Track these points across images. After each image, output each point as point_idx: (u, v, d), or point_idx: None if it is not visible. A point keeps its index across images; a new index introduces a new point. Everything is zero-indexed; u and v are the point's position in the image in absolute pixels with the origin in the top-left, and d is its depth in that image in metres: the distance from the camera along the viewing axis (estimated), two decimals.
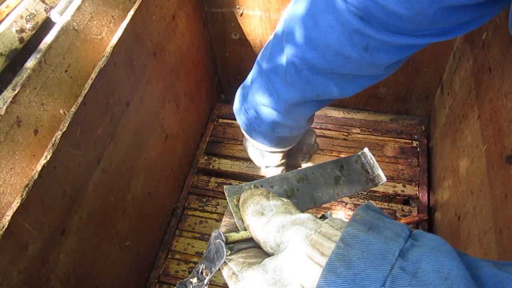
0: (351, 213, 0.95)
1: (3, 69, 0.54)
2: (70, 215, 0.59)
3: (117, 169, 0.71)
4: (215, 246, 0.31)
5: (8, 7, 0.56)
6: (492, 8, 0.44)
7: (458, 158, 0.78)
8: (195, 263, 0.92)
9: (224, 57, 1.13)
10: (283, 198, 0.34)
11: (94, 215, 0.65)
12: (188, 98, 1.00)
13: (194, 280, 0.32)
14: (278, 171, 0.84)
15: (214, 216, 0.98)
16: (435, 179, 0.94)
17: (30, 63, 0.53)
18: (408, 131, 1.05)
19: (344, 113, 1.16)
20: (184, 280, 0.33)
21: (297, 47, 0.55)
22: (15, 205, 0.48)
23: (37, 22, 0.58)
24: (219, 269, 0.31)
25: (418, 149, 1.02)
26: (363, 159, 0.45)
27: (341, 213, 0.95)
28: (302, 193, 0.39)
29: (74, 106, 0.57)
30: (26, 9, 0.57)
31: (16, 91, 0.50)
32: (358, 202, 0.96)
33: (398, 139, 1.05)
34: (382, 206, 0.94)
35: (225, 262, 0.31)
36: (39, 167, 0.51)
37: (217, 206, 0.99)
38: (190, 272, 0.91)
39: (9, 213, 0.48)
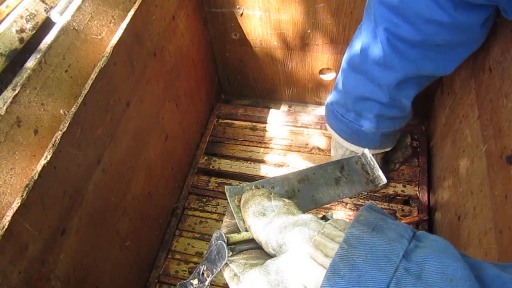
0: (351, 213, 0.95)
1: (3, 69, 0.54)
2: (70, 215, 0.59)
3: (117, 169, 0.71)
4: (217, 247, 0.31)
5: (8, 7, 0.56)
6: None
7: (458, 158, 0.78)
8: (195, 263, 0.92)
9: (224, 57, 1.13)
10: (284, 199, 0.34)
11: (94, 215, 0.65)
12: (188, 98, 1.00)
13: (195, 282, 0.32)
14: None
15: (214, 216, 0.98)
16: (435, 179, 0.94)
17: (30, 63, 0.53)
18: (408, 131, 1.05)
19: None
20: (185, 281, 0.33)
21: (389, 24, 0.56)
22: (15, 205, 0.48)
23: (37, 22, 0.58)
24: (220, 270, 0.31)
25: (418, 149, 1.02)
26: (364, 160, 0.45)
27: (342, 213, 0.95)
28: (303, 194, 0.39)
29: (74, 106, 0.57)
30: (26, 9, 0.56)
31: (16, 91, 0.50)
32: (358, 203, 0.96)
33: None
34: (383, 206, 0.94)
35: (226, 263, 0.31)
36: (39, 167, 0.51)
37: (217, 206, 0.99)
38: (190, 272, 0.91)
39: (9, 213, 0.48)
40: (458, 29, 0.54)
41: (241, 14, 0.99)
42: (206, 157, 1.07)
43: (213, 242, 0.31)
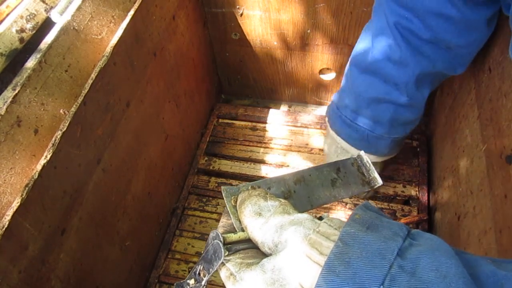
0: (350, 212, 0.94)
1: (3, 69, 0.54)
2: (70, 215, 0.59)
3: (117, 169, 0.71)
4: (213, 246, 0.31)
5: (8, 7, 0.56)
6: None
7: (458, 158, 0.78)
8: (195, 263, 0.92)
9: (224, 57, 1.13)
10: (280, 199, 0.34)
11: (94, 215, 0.66)
12: (188, 98, 1.00)
13: (192, 281, 0.32)
14: None
15: (214, 216, 0.98)
16: (435, 179, 0.94)
17: (30, 63, 0.53)
18: None
19: None
20: (181, 281, 0.33)
21: (400, 18, 0.57)
22: (15, 205, 0.48)
23: (37, 22, 0.58)
24: (217, 270, 0.31)
25: (418, 149, 1.02)
26: (359, 161, 0.45)
27: (341, 213, 0.95)
28: (299, 195, 0.39)
29: (74, 106, 0.57)
30: (26, 9, 0.57)
31: (16, 91, 0.50)
32: (358, 202, 0.96)
33: None
34: (382, 206, 0.94)
35: (223, 263, 0.31)
36: (39, 167, 0.51)
37: (217, 206, 0.99)
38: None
39: (9, 213, 0.48)
40: (466, 26, 0.54)
41: (241, 14, 0.99)
42: (206, 158, 1.07)
43: (210, 242, 0.32)
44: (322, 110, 1.21)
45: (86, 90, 0.59)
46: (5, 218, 0.47)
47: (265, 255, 0.32)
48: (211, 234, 0.32)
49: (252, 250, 0.33)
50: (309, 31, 0.98)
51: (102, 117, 0.64)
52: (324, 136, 0.87)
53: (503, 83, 0.61)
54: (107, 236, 0.71)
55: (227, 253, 0.31)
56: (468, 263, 0.26)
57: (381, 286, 0.24)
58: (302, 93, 1.19)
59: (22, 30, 0.56)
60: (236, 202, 0.35)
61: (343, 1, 0.89)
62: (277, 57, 1.08)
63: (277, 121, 1.11)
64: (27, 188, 0.49)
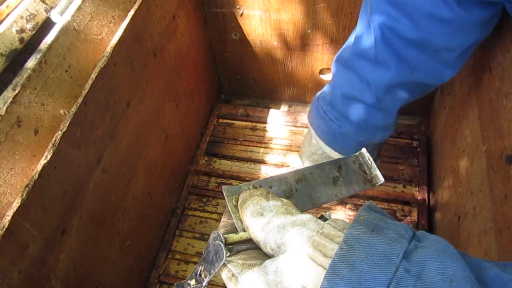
0: (351, 213, 0.95)
1: (3, 69, 0.54)
2: (70, 215, 0.59)
3: (117, 169, 0.71)
4: (214, 247, 0.31)
5: (8, 7, 0.56)
6: None
7: (458, 158, 0.78)
8: (195, 263, 0.92)
9: (224, 57, 1.13)
10: (282, 199, 0.33)
11: (94, 215, 0.65)
12: (188, 98, 1.00)
13: (192, 282, 0.32)
14: None
15: (214, 216, 0.98)
16: (435, 179, 0.94)
17: (30, 63, 0.53)
18: (408, 131, 1.05)
19: None
20: (182, 282, 0.33)
21: (386, 17, 0.53)
22: (16, 205, 0.48)
23: (37, 22, 0.58)
24: (217, 271, 0.31)
25: (418, 149, 1.02)
26: (361, 159, 0.45)
27: (341, 213, 0.95)
28: (300, 194, 0.39)
29: (74, 106, 0.57)
30: (26, 9, 0.57)
31: (17, 91, 0.50)
32: (358, 202, 0.96)
33: (398, 139, 1.05)
34: (382, 206, 0.94)
35: (224, 263, 0.31)
36: (39, 167, 0.51)
37: (217, 206, 0.99)
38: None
39: (9, 213, 0.48)
40: (457, 28, 0.52)
41: (241, 14, 0.99)
42: (206, 158, 1.07)
43: (211, 243, 0.31)
44: None
45: (86, 90, 0.59)
46: (5, 219, 0.47)
47: (267, 256, 0.31)
48: (212, 235, 0.32)
49: (254, 251, 0.32)
50: (309, 31, 0.98)
51: (102, 117, 0.64)
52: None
53: (503, 83, 0.61)
54: (107, 236, 0.71)
55: (228, 254, 0.31)
56: (472, 266, 0.26)
57: None
58: (302, 93, 1.19)
59: (22, 30, 0.56)
60: (237, 201, 0.35)
61: (343, 1, 0.89)
62: (277, 57, 1.08)
63: (277, 121, 1.11)
64: (27, 189, 0.49)
